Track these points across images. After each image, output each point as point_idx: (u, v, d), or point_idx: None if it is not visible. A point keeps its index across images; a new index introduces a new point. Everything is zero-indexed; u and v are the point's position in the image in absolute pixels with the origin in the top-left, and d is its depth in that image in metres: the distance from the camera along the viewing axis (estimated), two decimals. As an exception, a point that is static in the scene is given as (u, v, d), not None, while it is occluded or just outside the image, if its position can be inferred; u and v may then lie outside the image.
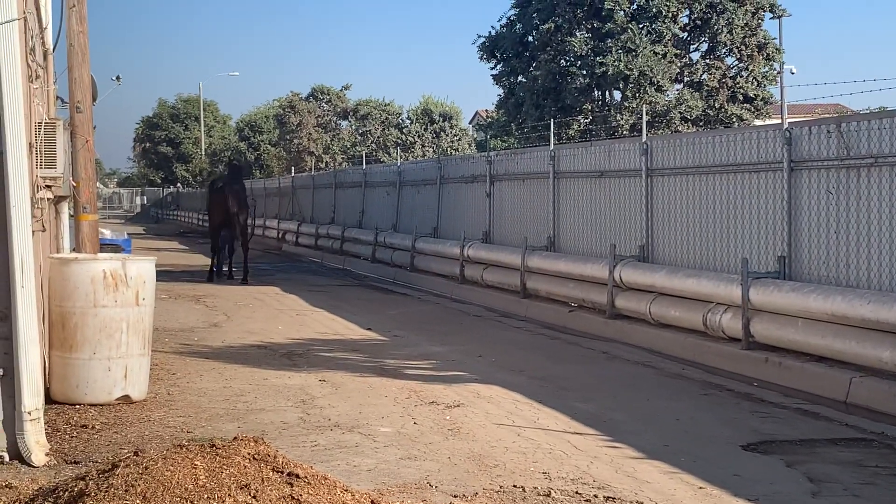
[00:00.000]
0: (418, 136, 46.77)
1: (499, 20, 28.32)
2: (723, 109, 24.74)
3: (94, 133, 14.34)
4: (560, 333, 16.55)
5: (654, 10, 24.63)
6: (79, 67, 14.12)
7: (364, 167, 33.52)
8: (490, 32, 28.14)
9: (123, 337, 10.32)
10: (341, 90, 52.55)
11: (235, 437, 6.72)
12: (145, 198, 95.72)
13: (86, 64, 14.27)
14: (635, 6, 24.91)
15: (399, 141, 45.81)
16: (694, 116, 24.03)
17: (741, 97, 25.31)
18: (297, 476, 6.39)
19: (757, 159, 14.08)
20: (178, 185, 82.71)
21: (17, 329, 8.17)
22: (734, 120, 24.62)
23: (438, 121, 47.56)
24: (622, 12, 24.46)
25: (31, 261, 8.26)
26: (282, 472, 6.42)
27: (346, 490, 6.47)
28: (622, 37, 24.11)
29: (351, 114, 50.15)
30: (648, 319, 15.52)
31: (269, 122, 57.76)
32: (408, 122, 48.23)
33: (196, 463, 6.32)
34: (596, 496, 7.52)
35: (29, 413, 8.23)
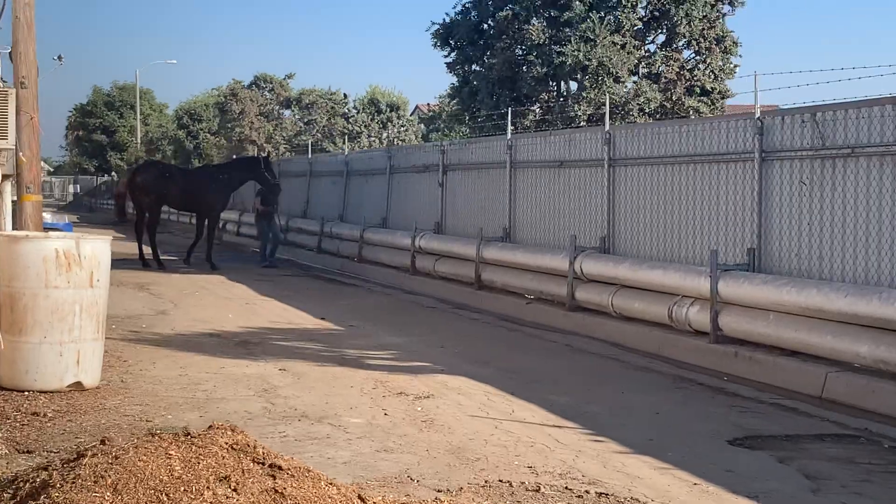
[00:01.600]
0: (365, 126, 46.30)
1: (453, 7, 27.97)
2: (680, 102, 24.56)
3: (38, 111, 13.74)
4: (519, 326, 16.18)
5: (613, -1, 24.50)
6: (24, 41, 13.55)
7: (309, 156, 32.94)
8: (444, 20, 27.77)
9: (76, 320, 9.78)
10: (284, 79, 51.84)
11: (211, 426, 6.26)
12: (78, 186, 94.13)
13: (31, 38, 13.69)
14: (595, -5, 24.69)
15: (346, 131, 45.28)
16: (652, 108, 23.81)
17: (698, 90, 25.16)
18: (280, 468, 5.94)
19: (727, 149, 13.81)
20: (113, 173, 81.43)
21: (-33, 308, 7.64)
22: (691, 112, 24.42)
23: (385, 111, 47.15)
24: (581, 1, 24.19)
25: (-16, 235, 7.74)
26: (263, 464, 5.96)
27: (330, 483, 6.03)
28: (581, 26, 23.79)
29: (294, 103, 49.55)
30: (610, 312, 15.19)
31: (210, 110, 56.89)
32: (354, 111, 47.74)
33: (171, 453, 5.84)
34: (587, 492, 7.14)
35: (-21, 399, 7.71)
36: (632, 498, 7.04)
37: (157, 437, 6.00)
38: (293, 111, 50.69)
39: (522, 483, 7.31)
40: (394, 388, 10.63)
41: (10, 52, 13.84)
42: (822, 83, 15.39)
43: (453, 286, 20.12)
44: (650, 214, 15.35)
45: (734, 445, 8.72)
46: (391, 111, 47.35)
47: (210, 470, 5.75)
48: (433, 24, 27.94)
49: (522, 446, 8.38)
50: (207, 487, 5.61)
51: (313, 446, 8.16)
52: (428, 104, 57.39)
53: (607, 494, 7.09)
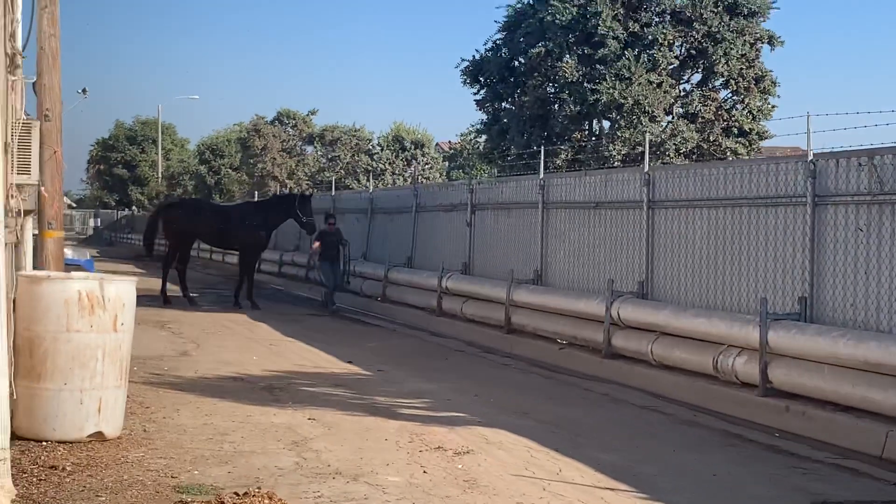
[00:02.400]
0: (389, 164, 45.83)
1: (484, 44, 27.47)
2: (717, 142, 24.00)
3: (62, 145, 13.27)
4: (552, 372, 15.59)
5: (649, 37, 23.89)
6: (49, 73, 13.01)
7: (333, 193, 32.50)
8: (474, 56, 27.26)
9: (99, 366, 9.20)
10: (307, 115, 51.52)
11: (247, 493, 5.68)
12: (99, 220, 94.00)
13: (56, 70, 13.17)
14: (629, 33, 24.11)
15: (369, 168, 44.85)
16: (688, 149, 23.26)
17: (736, 131, 24.60)
18: (324, 544, 5.36)
19: (776, 192, 13.22)
20: (133, 208, 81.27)
21: (-18, 356, 7.08)
22: (728, 154, 23.86)
23: (410, 148, 46.68)
24: (616, 39, 23.68)
25: (3, 278, 7.18)
26: (305, 539, 5.38)
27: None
28: (616, 64, 23.29)
29: (317, 139, 49.19)
30: (650, 360, 14.59)
31: (232, 145, 56.63)
32: (378, 148, 47.30)
33: (205, 527, 5.27)
34: (655, 569, 6.53)
35: (-7, 453, 7.13)
36: (703, 576, 6.44)
37: (187, 507, 5.42)
38: (316, 147, 50.31)
39: (582, 557, 6.71)
40: (430, 442, 10.01)
41: (34, 84, 13.33)
42: (870, 126, 14.86)
43: (481, 329, 19.55)
44: (692, 259, 14.77)
45: (804, 514, 8.12)
46: (416, 148, 46.88)
47: (248, 547, 5.18)
48: (463, 60, 27.47)
49: (577, 513, 7.79)
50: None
51: (350, 511, 7.57)
52: (449, 141, 56.88)
53: (676, 572, 6.49)
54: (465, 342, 19.04)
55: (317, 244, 25.26)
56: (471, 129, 48.76)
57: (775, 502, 8.44)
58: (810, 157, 12.60)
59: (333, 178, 35.39)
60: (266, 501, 5.60)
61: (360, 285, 26.52)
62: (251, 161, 49.77)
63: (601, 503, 8.07)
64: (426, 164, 47.07)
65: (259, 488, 5.83)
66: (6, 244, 7.41)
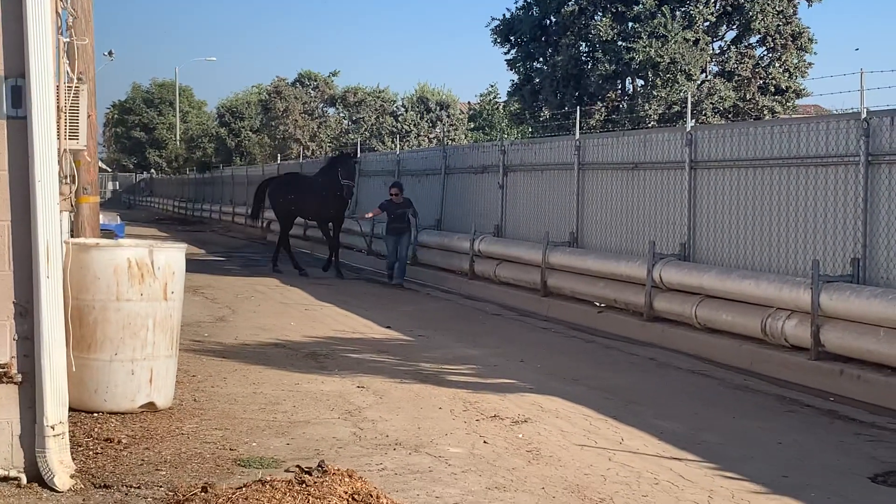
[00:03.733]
0: (414, 125, 45.62)
1: (515, 2, 27.19)
2: (754, 101, 23.74)
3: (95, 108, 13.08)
4: (593, 336, 15.41)
5: (686, -6, 23.69)
6: (82, 35, 12.80)
7: (358, 155, 32.28)
8: (504, 15, 26.98)
9: (149, 336, 9.02)
10: (329, 76, 51.37)
11: (325, 471, 5.49)
12: (118, 183, 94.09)
13: (90, 32, 12.98)
14: (665, -9, 23.87)
15: (395, 129, 44.65)
16: (725, 107, 23.01)
17: (772, 89, 24.32)
18: (410, 524, 5.16)
19: (826, 152, 12.92)
20: (152, 170, 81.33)
21: (40, 327, 6.89)
22: (765, 112, 23.61)
23: (435, 109, 46.46)
24: (651, -3, 23.46)
25: (59, 246, 6.98)
26: (390, 519, 5.18)
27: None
28: (652, 22, 23.01)
29: (339, 101, 48.99)
30: (693, 323, 14.37)
31: (252, 108, 56.47)
32: (403, 110, 47.04)
33: (285, 505, 5.07)
34: (739, 544, 6.33)
35: (52, 427, 6.95)
36: (790, 552, 6.23)
37: (268, 486, 5.23)
38: (338, 109, 50.13)
39: (661, 532, 6.51)
40: (485, 411, 9.83)
41: (67, 47, 13.14)
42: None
43: (516, 292, 19.35)
44: (736, 221, 14.49)
45: (879, 483, 7.88)
46: (441, 109, 46.67)
47: (332, 528, 4.98)
48: (493, 19, 27.17)
49: (646, 484, 7.56)
50: (331, 550, 4.84)
51: (417, 482, 7.34)
52: (468, 102, 56.63)
53: (760, 547, 6.29)
54: (500, 305, 18.86)
55: (371, 213, 24.09)
56: (491, 89, 48.35)
57: (847, 472, 8.19)
58: (864, 115, 12.31)
59: (358, 140, 35.11)
60: (346, 479, 5.39)
61: (383, 249, 26.33)
62: (272, 123, 49.61)
63: (671, 474, 7.84)
64: (451, 125, 46.87)
65: (332, 464, 5.62)
66: (61, 212, 7.19)
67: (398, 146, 31.91)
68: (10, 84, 6.82)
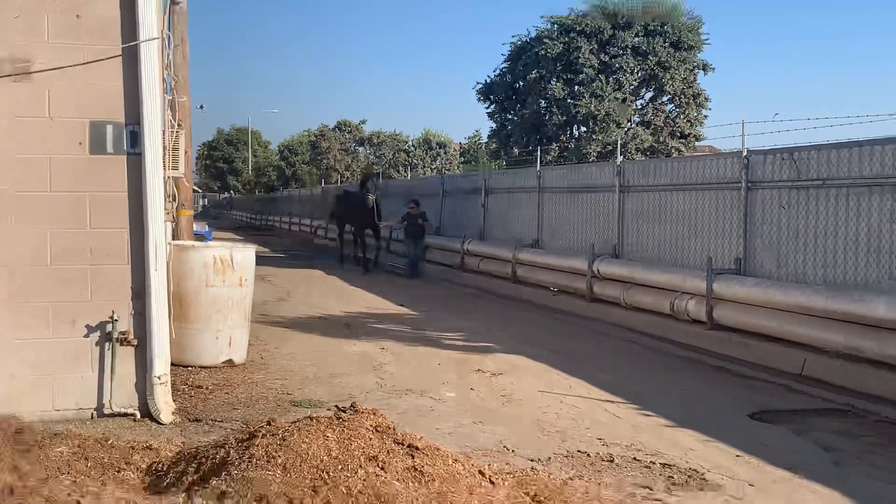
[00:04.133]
0: (420, 160, 45.54)
1: (493, 71, 27.26)
2: (665, 143, 23.75)
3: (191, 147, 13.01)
4: (551, 312, 15.30)
5: (616, 65, 23.57)
6: (181, 94, 12.72)
7: (380, 182, 32.14)
8: (486, 80, 26.99)
9: (229, 312, 9.03)
10: (359, 124, 51.27)
11: (357, 410, 5.44)
12: (206, 200, 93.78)
13: (186, 91, 12.87)
14: (601, 62, 23.77)
15: (406, 162, 44.56)
16: (644, 147, 23.01)
17: (679, 134, 24.32)
18: (417, 448, 5.12)
19: (718, 179, 12.87)
20: (231, 191, 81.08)
21: (150, 305, 6.87)
22: (674, 151, 23.64)
23: (435, 147, 46.41)
24: (591, 67, 23.35)
25: (163, 247, 6.96)
26: (402, 444, 5.14)
27: (456, 460, 5.21)
28: (592, 85, 23.01)
29: (367, 142, 48.94)
30: (622, 304, 14.30)
31: (303, 146, 56.33)
32: (412, 148, 46.98)
33: (328, 435, 5.03)
34: (654, 462, 6.29)
35: (159, 377, 6.94)
36: (690, 468, 6.18)
37: (315, 421, 5.19)
38: (366, 148, 50.00)
39: (598, 454, 6.47)
40: (472, 366, 9.79)
41: (170, 102, 13.09)
42: (783, 131, 14.59)
43: (494, 280, 19.18)
44: (653, 229, 14.44)
45: (755, 419, 7.83)
46: (440, 148, 46.59)
47: (360, 450, 4.95)
48: (478, 83, 27.25)
49: (588, 420, 7.53)
50: (360, 466, 4.81)
51: (422, 419, 7.31)
52: (460, 143, 56.46)
53: (670, 465, 6.24)
54: (483, 290, 18.73)
55: (393, 222, 23.02)
56: (476, 133, 48.18)
57: (733, 409, 8.15)
58: (744, 153, 12.28)
59: (380, 170, 35.01)
60: (371, 416, 5.35)
61: (403, 250, 26.17)
62: (318, 158, 49.47)
63: (605, 413, 7.81)
64: (447, 159, 46.74)
65: (361, 405, 5.59)
66: (165, 222, 7.17)
67: (409, 175, 31.77)
68: (130, 129, 6.80)
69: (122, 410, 6.87)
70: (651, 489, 5.69)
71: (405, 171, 35.67)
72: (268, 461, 4.75)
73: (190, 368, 8.79)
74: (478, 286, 19.29)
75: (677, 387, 9.14)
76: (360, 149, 50.98)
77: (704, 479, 5.96)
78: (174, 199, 8.38)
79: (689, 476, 6.00)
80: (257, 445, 4.91)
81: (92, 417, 6.79)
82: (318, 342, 11.06)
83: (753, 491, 5.74)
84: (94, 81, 6.69)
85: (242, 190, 76.45)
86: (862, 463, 6.54)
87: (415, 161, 45.29)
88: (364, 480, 4.70)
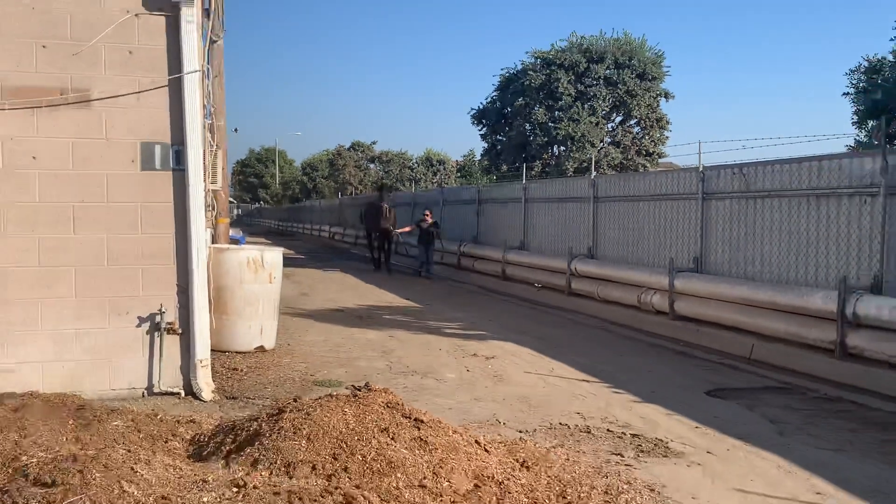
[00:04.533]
0: (423, 175, 45.51)
1: (485, 98, 27.26)
2: (633, 160, 23.73)
3: (227, 164, 12.99)
4: (534, 305, 15.27)
5: (590, 94, 23.57)
6: (218, 118, 12.72)
7: (390, 194, 32.11)
8: (479, 107, 27.00)
9: (260, 305, 9.01)
10: (371, 144, 51.28)
11: (370, 388, 5.43)
12: (240, 210, 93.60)
13: (223, 116, 12.82)
14: (577, 91, 23.76)
15: (411, 177, 44.54)
16: (615, 164, 22.99)
17: (645, 153, 24.30)
18: (422, 421, 5.10)
19: (679, 191, 12.88)
20: (261, 202, 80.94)
21: (192, 299, 6.86)
22: (640, 167, 23.62)
23: (436, 164, 46.38)
24: (569, 95, 23.34)
25: (204, 249, 6.94)
26: (409, 418, 5.12)
27: (455, 431, 5.19)
28: (570, 110, 22.98)
29: (377, 159, 48.90)
30: (596, 297, 14.30)
31: (323, 164, 56.23)
32: (416, 165, 46.98)
33: (345, 410, 5.02)
34: (624, 433, 6.27)
35: (200, 361, 6.92)
36: (656, 438, 6.17)
37: (334, 398, 5.17)
38: (377, 165, 49.94)
39: (577, 426, 6.45)
40: (469, 351, 9.77)
41: (210, 126, 13.07)
42: (731, 150, 14.57)
43: (486, 277, 19.14)
44: (623, 234, 14.44)
45: (710, 396, 7.81)
46: (440, 164, 46.55)
47: (374, 423, 4.93)
48: (472, 108, 27.25)
49: (568, 396, 7.52)
50: (374, 437, 4.79)
51: (426, 396, 7.31)
52: (456, 161, 56.42)
53: (638, 435, 6.23)
54: (477, 286, 18.68)
55: (408, 228, 22.02)
56: (470, 152, 48.07)
57: (692, 388, 8.13)
58: (701, 169, 12.28)
59: (390, 183, 34.92)
60: (383, 394, 5.33)
61: (406, 250, 26.09)
62: (336, 173, 49.39)
63: (583, 390, 7.80)
64: (446, 175, 46.69)
65: (374, 384, 5.59)
66: (206, 228, 7.15)
67: (413, 188, 31.72)
68: (175, 149, 6.79)
69: (169, 390, 6.85)
70: (623, 456, 5.67)
71: (410, 185, 35.61)
72: (294, 433, 4.73)
73: (227, 353, 8.76)
74: (473, 283, 19.24)
75: (644, 368, 9.11)
76: (372, 166, 50.93)
77: (668, 447, 5.94)
78: (213, 209, 8.36)
79: (655, 445, 5.98)
80: (285, 419, 4.90)
81: (143, 396, 6.78)
82: (335, 331, 11.03)
83: (711, 457, 5.73)
84: (145, 107, 6.67)
85: (271, 201, 76.38)
86: (802, 433, 6.52)
87: (418, 176, 45.27)
88: (377, 449, 4.68)
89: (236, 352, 8.84)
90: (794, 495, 4.98)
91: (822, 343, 9.32)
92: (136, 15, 6.59)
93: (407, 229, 21.92)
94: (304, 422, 4.83)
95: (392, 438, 4.83)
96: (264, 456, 4.58)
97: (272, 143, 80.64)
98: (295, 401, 5.26)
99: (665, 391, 7.86)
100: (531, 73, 24.53)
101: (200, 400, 6.79)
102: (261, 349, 9.01)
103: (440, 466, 4.74)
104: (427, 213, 21.05)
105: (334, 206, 42.17)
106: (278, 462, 4.51)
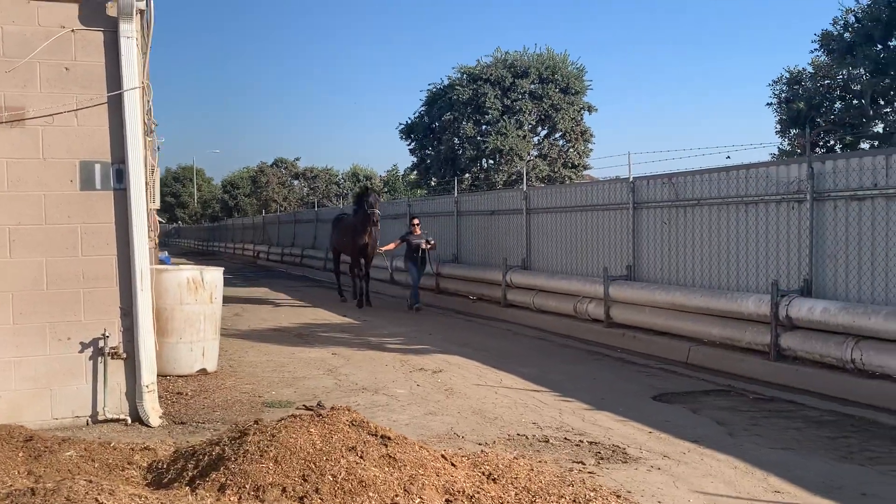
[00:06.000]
0: (350, 190, 45.22)
1: (413, 114, 27.35)
2: (559, 172, 24.12)
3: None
4: (471, 317, 15.32)
5: (517, 108, 23.87)
6: (157, 137, 12.42)
7: (316, 209, 31.83)
8: (407, 122, 27.01)
9: (201, 326, 8.77)
10: (294, 160, 50.64)
11: (333, 407, 5.34)
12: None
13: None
14: (504, 105, 24.04)
15: (338, 193, 44.20)
16: (542, 176, 23.33)
17: (570, 164, 24.74)
18: (389, 438, 5.05)
19: (610, 202, 13.14)
20: (179, 222, 79.10)
21: (137, 322, 6.64)
22: (566, 179, 24.04)
23: (363, 180, 46.13)
24: (496, 109, 23.60)
25: (148, 271, 6.73)
26: (375, 435, 5.06)
27: (421, 447, 5.15)
28: (497, 125, 23.23)
29: (301, 176, 48.38)
30: (532, 308, 14.45)
31: (244, 181, 55.31)
32: (343, 180, 46.68)
33: (311, 430, 4.92)
34: (582, 441, 6.33)
35: (147, 386, 6.69)
36: (612, 444, 6.25)
37: (298, 418, 5.07)
38: (300, 181, 49.38)
39: (534, 436, 6.48)
40: (414, 365, 9.72)
41: (151, 144, 12.72)
42: (660, 161, 14.97)
43: (421, 292, 19.09)
44: (556, 244, 14.64)
45: (657, 401, 7.95)
46: (367, 179, 46.35)
47: (341, 442, 4.85)
48: (400, 124, 27.28)
49: (521, 407, 7.55)
50: (342, 456, 4.71)
51: (381, 412, 7.23)
52: (381, 175, 56.36)
53: (596, 442, 6.29)
54: (403, 295, 18.59)
55: (392, 245, 17.43)
56: (394, 167, 48.15)
57: (637, 393, 8.26)
58: (631, 179, 12.55)
59: (315, 200, 34.58)
60: (346, 412, 5.25)
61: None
62: (258, 191, 48.65)
63: (534, 400, 7.84)
64: (373, 190, 46.59)
65: (326, 403, 5.50)
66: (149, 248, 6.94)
67: (341, 204, 31.50)
68: (115, 168, 6.58)
69: (115, 416, 6.60)
70: (584, 464, 5.73)
71: (337, 201, 35.34)
72: (261, 455, 4.62)
73: (169, 377, 8.50)
74: (407, 298, 19.11)
75: (588, 376, 9.22)
76: (296, 182, 50.38)
77: (626, 453, 6.03)
78: (156, 229, 8.12)
79: (613, 451, 6.06)
80: (250, 442, 4.77)
81: (87, 424, 6.51)
82: (276, 350, 10.82)
83: (669, 461, 5.84)
84: (84, 125, 6.45)
85: (189, 220, 74.73)
86: (750, 433, 6.70)
87: (345, 192, 45.01)
88: (347, 468, 4.60)
89: (178, 375, 8.58)
90: (754, 495, 5.11)
91: (757, 345, 9.62)
92: (73, 31, 6.38)
93: (392, 246, 17.36)
94: (270, 443, 4.72)
95: (360, 457, 4.76)
96: (232, 480, 4.45)
97: (189, 162, 78.83)
98: (256, 423, 5.14)
99: (613, 398, 7.97)
100: (458, 87, 24.74)
101: (148, 426, 6.57)
102: (203, 372, 8.78)
103: (411, 483, 4.69)
104: (415, 222, 17.01)
105: (258, 224, 41.51)
106: (247, 486, 4.39)
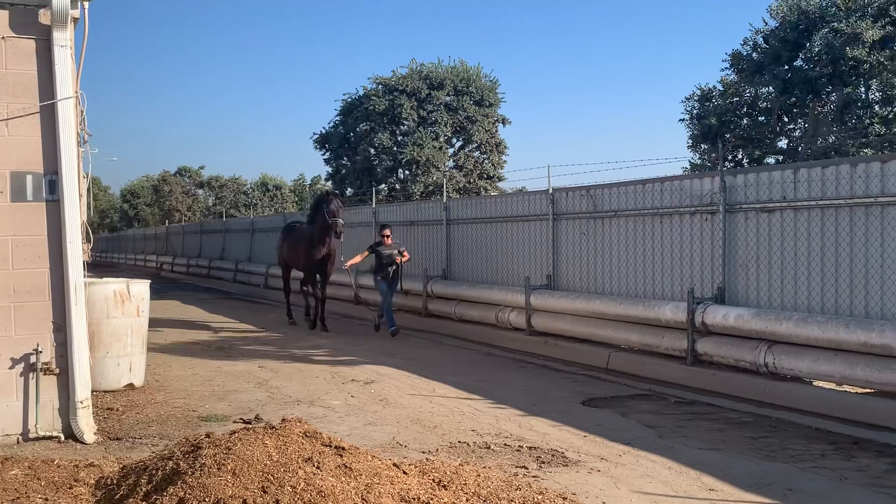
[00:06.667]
0: (259, 200, 44.52)
1: (328, 123, 27.26)
2: (475, 183, 24.49)
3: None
4: (391, 328, 15.38)
5: (433, 119, 24.13)
6: (91, 147, 12.04)
7: (224, 220, 31.25)
8: (321, 131, 26.92)
9: (129, 340, 8.60)
10: (199, 169, 49.56)
11: (284, 420, 5.37)
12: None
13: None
14: (420, 116, 24.27)
15: (247, 203, 43.47)
16: (459, 187, 23.64)
17: (486, 176, 25.15)
18: (343, 448, 5.13)
19: (530, 213, 13.48)
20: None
21: (71, 336, 6.50)
22: (482, 190, 24.43)
23: (272, 189, 45.53)
24: (412, 120, 23.81)
25: (82, 284, 6.60)
26: (330, 446, 5.13)
27: (374, 457, 5.26)
28: (413, 136, 23.42)
29: (206, 185, 47.38)
30: (454, 317, 14.65)
31: (145, 190, 53.73)
32: (251, 190, 45.94)
33: (266, 442, 4.96)
34: (521, 446, 6.54)
35: (81, 402, 6.56)
36: (551, 448, 6.49)
37: (252, 431, 5.09)
38: (205, 191, 48.35)
39: (475, 443, 6.65)
40: (346, 377, 9.75)
41: (85, 154, 12.30)
42: (576, 173, 15.44)
43: (339, 303, 18.99)
44: (477, 254, 14.89)
45: (586, 406, 8.26)
46: (276, 189, 45.77)
47: (297, 454, 4.90)
48: (315, 133, 27.20)
49: (458, 415, 7.71)
50: (299, 467, 4.77)
51: (320, 424, 7.20)
52: (289, 185, 55.81)
53: (535, 447, 6.51)
54: (330, 312, 18.36)
55: (358, 258, 14.70)
56: (301, 176, 47.60)
57: (567, 399, 8.53)
58: (550, 191, 12.92)
59: (223, 210, 33.97)
60: (299, 424, 5.29)
61: (247, 278, 25.49)
62: (161, 200, 47.39)
63: (469, 408, 8.01)
64: (283, 199, 45.98)
65: (266, 416, 5.52)
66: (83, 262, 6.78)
67: (251, 214, 31.07)
68: (48, 179, 6.44)
69: (47, 434, 6.43)
70: (527, 468, 5.93)
71: (246, 211, 34.82)
72: (218, 468, 4.63)
73: (96, 393, 8.24)
74: (326, 309, 18.99)
75: (517, 384, 9.45)
76: (200, 191, 49.32)
77: (566, 456, 6.27)
78: (91, 242, 7.92)
79: (553, 455, 6.29)
80: (205, 455, 4.77)
81: (18, 442, 6.32)
82: (201, 364, 10.67)
83: (607, 463, 6.10)
84: (15, 135, 6.29)
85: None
86: (678, 435, 7.05)
87: (254, 201, 44.33)
88: (305, 479, 4.66)
89: (104, 391, 8.39)
90: (691, 493, 5.42)
91: (675, 351, 10.08)
92: (3, 38, 6.21)
93: (358, 259, 14.78)
94: (226, 456, 4.73)
95: (317, 467, 4.82)
96: (191, 494, 4.45)
97: (85, 170, 75.95)
98: (208, 436, 5.13)
99: (545, 404, 8.22)
100: (374, 98, 24.84)
101: (83, 443, 6.42)
102: (130, 386, 8.61)
103: (368, 492, 4.79)
104: (386, 232, 14.40)
105: (161, 235, 40.43)
106: (208, 500, 4.39)
